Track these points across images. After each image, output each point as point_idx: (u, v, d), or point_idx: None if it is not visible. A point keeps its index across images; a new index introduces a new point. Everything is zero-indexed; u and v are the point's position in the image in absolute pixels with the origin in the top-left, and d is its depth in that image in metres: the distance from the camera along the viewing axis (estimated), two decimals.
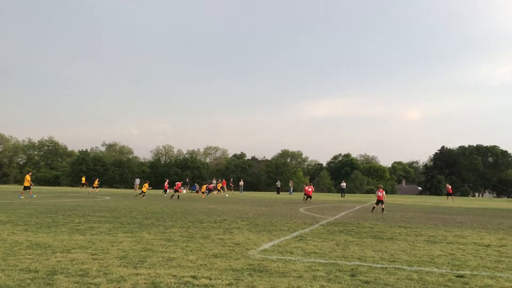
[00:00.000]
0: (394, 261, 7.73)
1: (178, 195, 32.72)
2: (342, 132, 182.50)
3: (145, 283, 5.72)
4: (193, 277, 6.08)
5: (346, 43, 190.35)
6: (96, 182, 44.24)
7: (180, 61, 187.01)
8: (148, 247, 8.58)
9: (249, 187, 73.97)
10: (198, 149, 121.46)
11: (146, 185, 34.85)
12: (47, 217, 14.15)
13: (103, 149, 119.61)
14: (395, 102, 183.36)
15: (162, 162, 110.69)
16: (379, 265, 7.31)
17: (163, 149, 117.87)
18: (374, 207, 22.04)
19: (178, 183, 34.07)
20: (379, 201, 21.45)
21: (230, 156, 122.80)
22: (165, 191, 38.82)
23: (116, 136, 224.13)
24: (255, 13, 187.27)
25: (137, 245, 8.73)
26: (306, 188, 29.43)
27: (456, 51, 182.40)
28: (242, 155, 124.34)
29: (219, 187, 46.15)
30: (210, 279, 5.99)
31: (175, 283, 5.73)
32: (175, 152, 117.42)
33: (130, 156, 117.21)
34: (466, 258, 8.24)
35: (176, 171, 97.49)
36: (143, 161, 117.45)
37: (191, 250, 8.29)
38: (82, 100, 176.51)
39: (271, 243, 9.47)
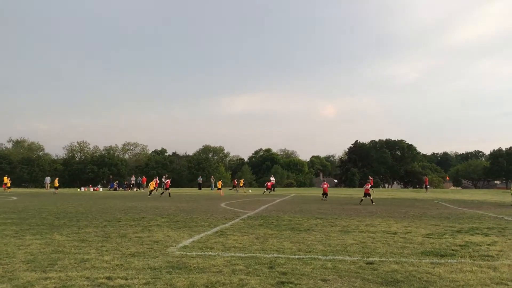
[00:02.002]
0: (310, 252, 8.03)
1: (169, 193, 31.86)
2: (263, 127, 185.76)
3: (55, 287, 5.39)
4: (108, 278, 5.84)
5: (265, 41, 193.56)
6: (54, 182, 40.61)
7: (95, 53, 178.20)
8: (59, 249, 8.10)
9: (170, 183, 72.56)
10: (116, 145, 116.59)
11: (153, 183, 34.06)
12: None
13: (9, 145, 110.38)
14: (312, 98, 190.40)
15: (77, 159, 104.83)
16: (296, 256, 7.56)
17: (77, 145, 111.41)
18: (362, 200, 23.63)
19: (168, 181, 33.40)
20: (366, 194, 23.45)
21: (150, 152, 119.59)
22: (154, 188, 38.52)
23: (24, 132, 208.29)
24: (174, 8, 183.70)
25: (47, 248, 8.20)
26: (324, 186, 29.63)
27: (366, 51, 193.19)
28: (163, 151, 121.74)
29: (241, 184, 45.16)
30: (126, 279, 5.79)
31: (88, 285, 5.47)
32: (91, 149, 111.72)
33: (40, 154, 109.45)
34: (376, 246, 8.79)
35: (92, 168, 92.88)
36: (56, 158, 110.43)
37: (106, 250, 7.96)
38: None
39: (191, 240, 9.39)
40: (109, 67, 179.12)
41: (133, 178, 50.77)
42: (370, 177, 48.69)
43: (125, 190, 47.96)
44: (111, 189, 50.49)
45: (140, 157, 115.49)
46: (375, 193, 39.18)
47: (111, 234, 10.13)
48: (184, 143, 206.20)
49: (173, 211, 17.17)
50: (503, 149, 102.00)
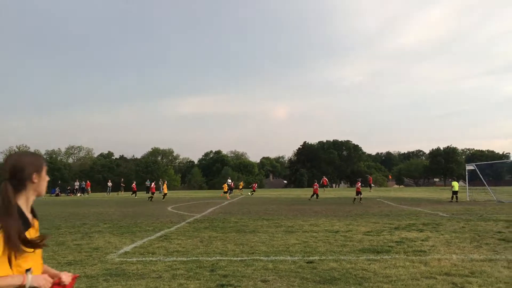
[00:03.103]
0: (253, 253, 8.10)
1: (151, 197, 31.37)
2: (213, 129, 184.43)
3: None
4: None
5: (212, 41, 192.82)
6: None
7: (35, 53, 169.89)
8: None
9: (118, 187, 70.41)
10: (59, 148, 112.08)
11: (165, 185, 32.86)
12: None
13: None
14: (262, 100, 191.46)
15: None
16: (239, 258, 7.59)
17: (16, 149, 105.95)
18: (354, 198, 24.87)
19: (153, 185, 33.57)
20: (358, 192, 24.71)
21: (96, 155, 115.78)
22: (134, 192, 39.72)
23: None
24: (121, 6, 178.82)
25: None
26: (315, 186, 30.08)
27: (313, 53, 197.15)
28: (110, 154, 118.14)
29: (240, 187, 45.33)
30: None
31: None
32: None
33: None
34: (317, 245, 9.00)
35: None
36: None
37: None
38: None
39: (133, 245, 9.19)
40: (51, 68, 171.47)
41: (77, 183, 48.91)
42: (324, 177, 49.66)
43: (68, 195, 46.15)
44: (52, 194, 48.38)
45: (85, 161, 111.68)
46: (325, 193, 40.15)
47: (48, 242, 9.70)
48: (132, 146, 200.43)
49: (117, 216, 16.72)
50: (441, 148, 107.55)
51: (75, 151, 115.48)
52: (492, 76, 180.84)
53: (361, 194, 24.91)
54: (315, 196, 28.97)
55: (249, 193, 42.21)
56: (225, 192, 36.80)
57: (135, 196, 39.14)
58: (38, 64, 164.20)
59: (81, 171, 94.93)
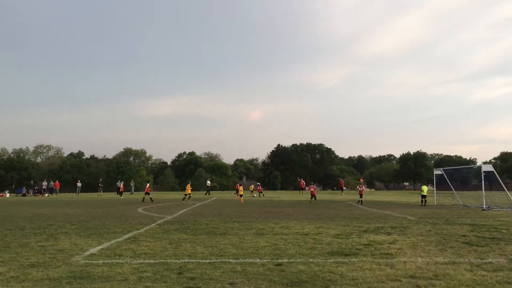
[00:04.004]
0: (222, 256, 8.05)
1: (151, 198, 30.26)
2: (187, 130, 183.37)
3: None
4: None
5: (188, 42, 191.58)
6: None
7: (4, 49, 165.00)
8: None
9: (87, 188, 69.02)
10: (27, 147, 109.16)
11: (189, 186, 32.23)
12: None
13: None
14: (237, 102, 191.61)
15: None
16: (207, 261, 7.54)
17: None
18: (359, 201, 26.09)
19: (148, 186, 32.46)
20: (361, 195, 25.93)
21: (65, 155, 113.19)
22: (120, 193, 39.69)
23: None
24: (99, 5, 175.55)
25: None
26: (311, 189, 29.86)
27: (290, 57, 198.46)
28: (80, 154, 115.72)
29: (251, 189, 44.41)
30: None
31: None
32: None
33: None
34: (287, 247, 9.03)
35: None
36: None
37: (2, 261, 7.38)
38: None
39: (100, 247, 9.00)
40: (20, 64, 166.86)
41: (45, 183, 47.61)
42: (302, 180, 50.06)
43: (35, 195, 44.90)
44: (19, 194, 46.99)
45: (54, 160, 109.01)
46: (295, 196, 40.38)
47: (10, 244, 9.41)
48: (103, 146, 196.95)
49: (85, 218, 16.36)
50: (411, 153, 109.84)
51: (44, 150, 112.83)
52: (461, 83, 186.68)
53: (361, 197, 25.99)
54: (313, 198, 28.35)
55: (254, 195, 41.72)
56: (241, 195, 34.14)
57: (121, 196, 38.72)
58: (6, 60, 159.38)
59: (50, 170, 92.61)
